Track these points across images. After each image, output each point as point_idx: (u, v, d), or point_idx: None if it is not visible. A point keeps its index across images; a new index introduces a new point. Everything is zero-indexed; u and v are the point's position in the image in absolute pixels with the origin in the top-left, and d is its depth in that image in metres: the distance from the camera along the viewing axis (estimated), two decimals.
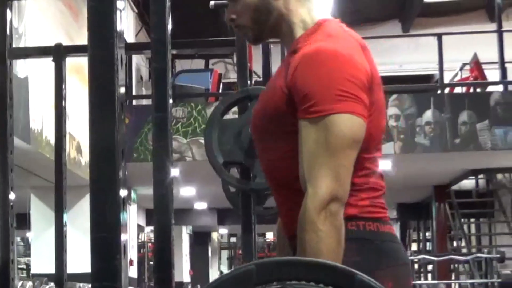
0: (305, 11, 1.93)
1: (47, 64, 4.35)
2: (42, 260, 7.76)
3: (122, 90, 1.32)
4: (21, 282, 5.68)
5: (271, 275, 1.29)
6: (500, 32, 9.78)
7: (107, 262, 1.17)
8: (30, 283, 5.66)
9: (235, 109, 3.32)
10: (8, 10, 3.55)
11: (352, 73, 1.76)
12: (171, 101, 2.39)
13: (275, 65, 7.31)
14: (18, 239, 13.30)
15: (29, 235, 9.20)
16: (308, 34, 1.89)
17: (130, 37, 10.92)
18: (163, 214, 2.51)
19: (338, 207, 1.71)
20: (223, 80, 10.73)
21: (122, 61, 1.37)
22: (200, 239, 18.29)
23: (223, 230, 20.88)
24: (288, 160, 1.83)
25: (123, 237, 1.19)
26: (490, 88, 9.68)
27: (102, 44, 1.28)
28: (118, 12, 1.31)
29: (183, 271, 15.27)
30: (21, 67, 5.68)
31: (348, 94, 1.74)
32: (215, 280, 1.27)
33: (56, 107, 4.39)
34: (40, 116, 6.10)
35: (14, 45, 3.84)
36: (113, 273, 1.19)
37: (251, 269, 1.26)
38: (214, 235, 21.89)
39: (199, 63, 11.99)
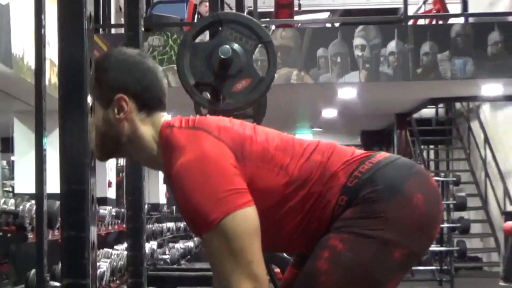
0: (150, 129, 1.90)
1: None
2: (24, 181, 7.75)
3: (90, 6, 1.29)
4: (3, 199, 5.69)
5: None
6: None
7: (76, 165, 1.17)
8: (12, 201, 5.68)
9: None
10: None
11: (216, 172, 1.76)
12: (142, 21, 2.37)
13: None
14: (4, 163, 13.25)
15: (14, 158, 9.17)
16: (166, 156, 1.86)
17: None
18: None
19: None
20: (198, 11, 10.59)
21: None
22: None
23: None
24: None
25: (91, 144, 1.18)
26: (451, 21, 9.68)
27: None
28: None
29: (160, 194, 15.33)
30: None
31: (223, 194, 1.74)
32: None
33: (36, 33, 4.34)
34: (21, 42, 6.02)
35: None
36: (81, 177, 1.19)
37: None
38: None
39: None
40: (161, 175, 15.99)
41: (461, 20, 9.43)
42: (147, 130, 1.90)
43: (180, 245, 10.04)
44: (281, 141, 1.90)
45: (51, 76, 6.47)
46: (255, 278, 1.73)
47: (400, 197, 1.82)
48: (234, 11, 4.75)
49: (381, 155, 1.91)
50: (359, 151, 1.94)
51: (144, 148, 1.91)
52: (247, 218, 1.75)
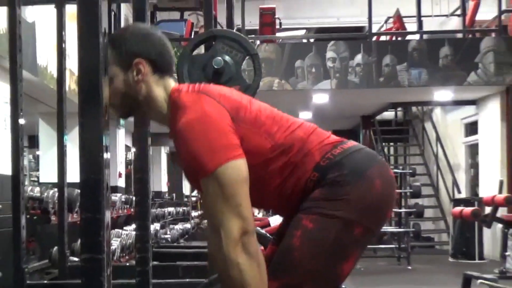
0: (162, 91, 1.92)
1: (51, 11, 4.29)
2: (48, 172, 7.75)
3: (105, 23, 1.30)
4: (30, 187, 5.67)
5: None
6: None
7: (93, 158, 1.18)
8: (37, 188, 5.66)
9: None
10: None
11: (214, 129, 1.77)
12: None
13: (237, 17, 7.20)
14: (31, 156, 13.17)
15: (39, 153, 9.15)
16: (173, 114, 1.87)
17: None
18: (142, 137, 2.53)
19: (248, 237, 1.73)
20: (194, 29, 10.56)
21: (104, 7, 1.34)
22: (175, 157, 18.24)
23: None
24: None
25: (105, 138, 1.18)
26: (408, 37, 9.70)
27: None
28: None
29: (162, 183, 15.31)
30: (29, 13, 5.59)
31: (219, 147, 1.75)
32: None
33: (58, 46, 4.33)
34: (45, 54, 6.01)
35: None
36: (98, 168, 1.19)
37: None
38: None
39: (176, 15, 11.82)
40: (163, 167, 16.03)
41: (416, 37, 9.46)
42: (160, 92, 1.92)
43: (179, 227, 9.99)
44: (272, 113, 1.93)
45: (70, 83, 6.45)
46: (243, 218, 1.74)
47: (362, 182, 1.83)
48: (225, 28, 4.74)
49: (351, 143, 1.93)
50: (334, 136, 1.95)
51: (156, 107, 1.92)
52: (238, 168, 1.76)
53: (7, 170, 3.68)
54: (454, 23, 10.74)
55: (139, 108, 1.95)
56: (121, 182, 10.60)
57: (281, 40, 10.46)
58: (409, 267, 8.51)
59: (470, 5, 9.72)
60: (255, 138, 1.84)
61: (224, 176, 1.74)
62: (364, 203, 1.82)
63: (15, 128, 3.54)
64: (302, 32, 14.53)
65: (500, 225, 7.53)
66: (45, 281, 4.35)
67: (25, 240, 3.51)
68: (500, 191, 8.00)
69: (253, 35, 10.08)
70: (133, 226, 6.85)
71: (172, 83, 1.95)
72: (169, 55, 1.96)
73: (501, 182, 8.34)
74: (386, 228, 9.86)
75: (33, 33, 5.79)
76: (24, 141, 3.64)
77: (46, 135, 8.03)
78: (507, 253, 7.55)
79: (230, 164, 1.75)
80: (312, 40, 11.56)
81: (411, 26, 10.26)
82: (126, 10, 11.53)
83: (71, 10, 4.66)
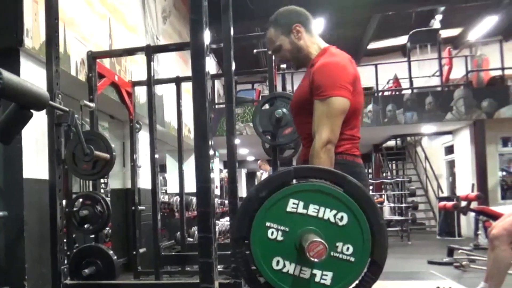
0: (315, 44, 1.90)
1: (172, 87, 4.43)
2: (172, 186, 7.93)
3: (209, 94, 1.37)
4: (162, 196, 5.81)
5: (301, 174, 1.31)
6: (408, 62, 9.64)
7: (204, 173, 1.23)
8: (166, 196, 5.80)
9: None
10: (152, 62, 3.62)
11: (344, 74, 1.73)
12: (234, 101, 2.44)
13: (288, 84, 7.15)
14: (161, 177, 13.41)
15: (166, 175, 9.31)
16: (319, 55, 1.86)
17: (213, 72, 10.91)
18: (231, 163, 2.58)
19: (331, 146, 1.70)
20: (261, 94, 10.69)
21: (209, 84, 1.41)
22: (250, 175, 18.27)
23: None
24: (307, 124, 1.80)
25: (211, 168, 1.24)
26: (403, 92, 9.54)
27: (199, 75, 1.31)
28: (206, 59, 1.35)
29: (242, 191, 15.32)
30: (159, 90, 5.77)
31: (341, 85, 1.71)
32: (267, 177, 1.27)
33: (177, 109, 4.48)
34: (170, 114, 6.19)
35: (155, 77, 3.92)
36: (207, 179, 1.24)
37: (290, 170, 1.28)
38: (258, 173, 21.87)
39: (249, 86, 11.99)
40: (243, 181, 16.07)
41: (409, 91, 9.29)
42: (313, 44, 1.90)
43: None
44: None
45: (185, 131, 6.62)
46: (332, 132, 1.69)
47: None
48: (281, 91, 4.82)
49: (359, 160, 1.90)
50: (357, 151, 1.91)
51: (309, 54, 1.90)
52: (344, 104, 1.71)
53: (148, 185, 3.81)
54: (435, 80, 10.49)
55: (301, 56, 1.91)
56: (217, 191, 10.70)
57: None
58: (409, 242, 8.22)
59: (445, 68, 9.52)
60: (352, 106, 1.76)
61: (334, 103, 1.69)
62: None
63: (152, 160, 3.66)
64: None
65: (472, 214, 7.22)
66: (173, 253, 4.45)
67: (159, 228, 3.61)
68: (472, 191, 7.70)
69: None
70: (226, 218, 6.92)
71: (323, 42, 1.91)
72: (311, 19, 1.92)
73: (473, 185, 8.06)
74: (393, 217, 9.58)
75: (162, 101, 5.97)
76: (158, 167, 3.77)
77: (171, 163, 8.21)
78: (478, 232, 7.23)
79: (342, 99, 1.70)
80: None
81: (405, 84, 10.08)
82: (217, 84, 11.80)
83: (186, 87, 4.83)
